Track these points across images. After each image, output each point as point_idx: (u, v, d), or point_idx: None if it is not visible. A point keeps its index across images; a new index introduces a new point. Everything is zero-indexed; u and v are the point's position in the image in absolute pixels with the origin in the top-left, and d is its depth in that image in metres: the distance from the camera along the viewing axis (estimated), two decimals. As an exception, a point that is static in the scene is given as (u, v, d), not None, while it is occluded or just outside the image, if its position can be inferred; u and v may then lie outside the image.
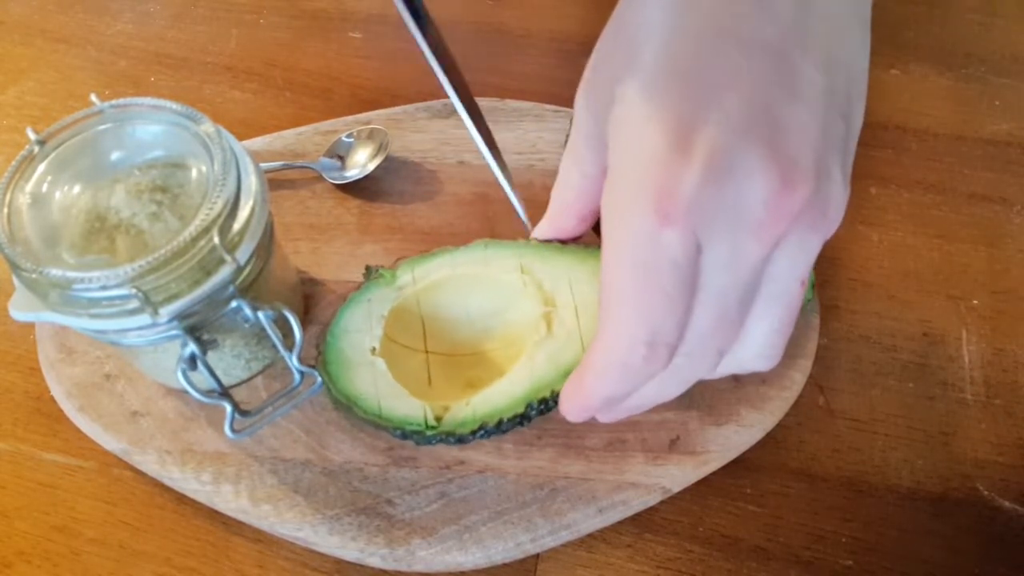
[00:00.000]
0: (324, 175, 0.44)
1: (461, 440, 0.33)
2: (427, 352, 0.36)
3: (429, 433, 0.32)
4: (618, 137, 0.24)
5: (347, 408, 0.33)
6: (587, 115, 0.28)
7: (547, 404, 0.33)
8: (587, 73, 0.29)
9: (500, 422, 0.32)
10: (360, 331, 0.35)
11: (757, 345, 0.26)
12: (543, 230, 0.36)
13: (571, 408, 0.29)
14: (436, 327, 0.37)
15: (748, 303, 0.25)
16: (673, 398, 0.28)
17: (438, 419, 0.33)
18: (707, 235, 0.23)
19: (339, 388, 0.34)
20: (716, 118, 0.22)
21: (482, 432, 0.33)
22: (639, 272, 0.23)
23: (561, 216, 0.34)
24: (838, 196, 0.24)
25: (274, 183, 0.44)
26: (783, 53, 0.23)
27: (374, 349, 0.34)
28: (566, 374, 0.33)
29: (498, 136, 0.46)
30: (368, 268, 0.37)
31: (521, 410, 0.32)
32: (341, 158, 0.44)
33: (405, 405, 0.33)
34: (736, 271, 0.24)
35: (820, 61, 0.23)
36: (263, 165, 0.43)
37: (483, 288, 0.36)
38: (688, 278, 0.23)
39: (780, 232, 0.23)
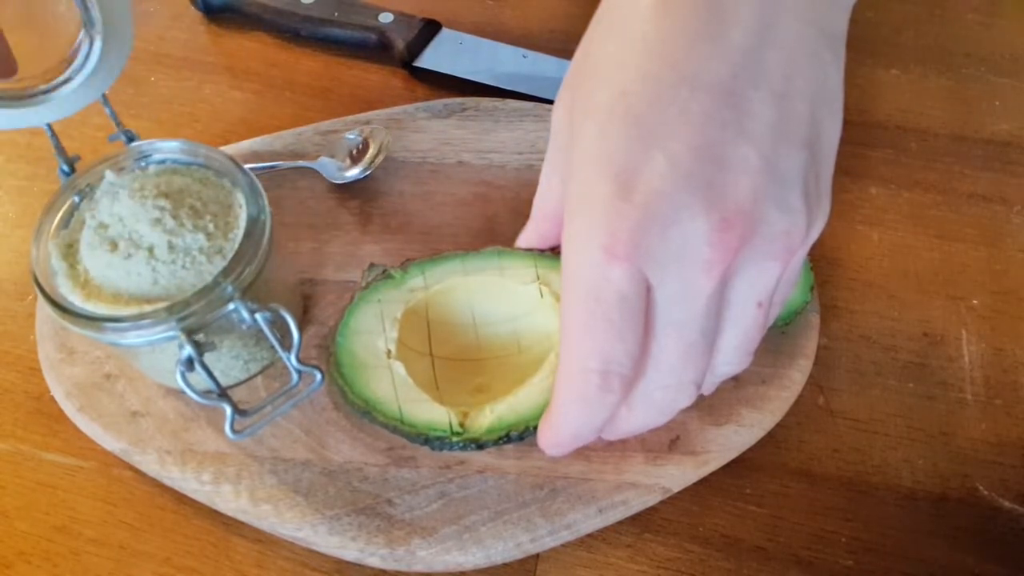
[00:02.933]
0: (324, 175, 0.44)
1: (481, 447, 0.32)
2: (432, 356, 0.36)
3: (455, 439, 0.32)
4: (574, 173, 0.25)
5: (364, 413, 0.33)
6: (562, 128, 0.29)
7: None
8: (563, 88, 0.30)
9: (525, 430, 0.32)
10: (372, 333, 0.34)
11: (725, 358, 0.28)
12: (527, 237, 0.36)
13: (545, 444, 0.30)
14: (440, 331, 0.37)
15: (712, 332, 0.26)
16: (660, 425, 0.29)
17: (462, 425, 0.32)
18: (656, 272, 0.24)
19: (356, 392, 0.33)
20: (661, 163, 0.24)
21: (505, 439, 0.32)
22: (589, 304, 0.25)
23: (544, 222, 0.35)
24: (798, 223, 0.25)
25: (274, 183, 0.44)
26: (733, 92, 0.24)
27: (390, 352, 0.34)
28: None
29: (498, 136, 0.46)
30: (371, 266, 0.36)
31: None
32: (341, 158, 0.44)
33: (428, 411, 0.33)
34: (691, 305, 0.25)
35: (773, 93, 0.24)
36: (263, 165, 0.43)
37: (496, 295, 0.36)
38: (637, 311, 0.25)
39: (725, 267, 0.24)
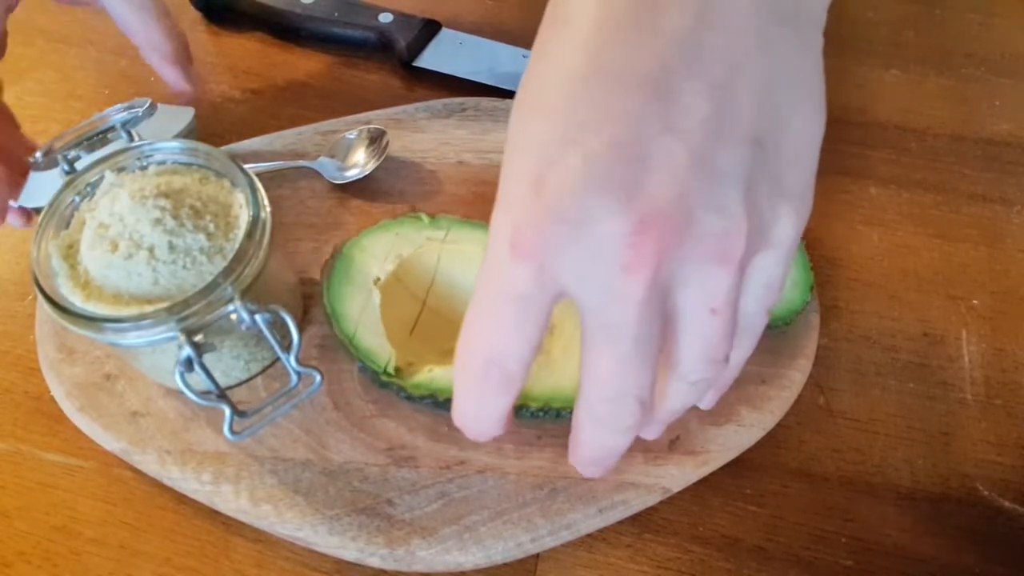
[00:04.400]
0: (324, 175, 0.44)
1: (409, 397, 0.34)
2: (424, 305, 0.37)
3: (384, 378, 0.34)
4: (503, 166, 0.25)
5: (328, 322, 0.35)
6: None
7: None
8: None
9: (448, 401, 0.33)
10: (375, 257, 0.37)
11: (689, 368, 0.26)
12: None
13: (454, 416, 0.28)
14: (443, 287, 0.38)
15: (649, 342, 0.24)
16: (621, 449, 0.27)
17: (398, 370, 0.34)
18: (571, 274, 0.23)
19: (330, 298, 0.36)
20: (575, 160, 0.22)
21: (430, 400, 0.34)
22: (489, 294, 0.24)
23: None
24: (735, 226, 0.23)
25: (274, 183, 0.44)
26: (662, 83, 0.22)
27: (377, 280, 0.36)
28: (531, 395, 0.34)
29: (498, 136, 0.46)
30: (413, 209, 0.39)
31: None
32: (341, 158, 0.44)
33: (376, 343, 0.35)
34: (621, 312, 0.23)
35: (710, 84, 0.22)
36: (263, 165, 0.43)
37: None
38: (536, 310, 0.24)
39: (651, 271, 0.22)
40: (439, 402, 0.34)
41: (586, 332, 0.24)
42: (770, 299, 0.27)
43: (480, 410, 0.27)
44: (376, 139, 0.44)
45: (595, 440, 0.27)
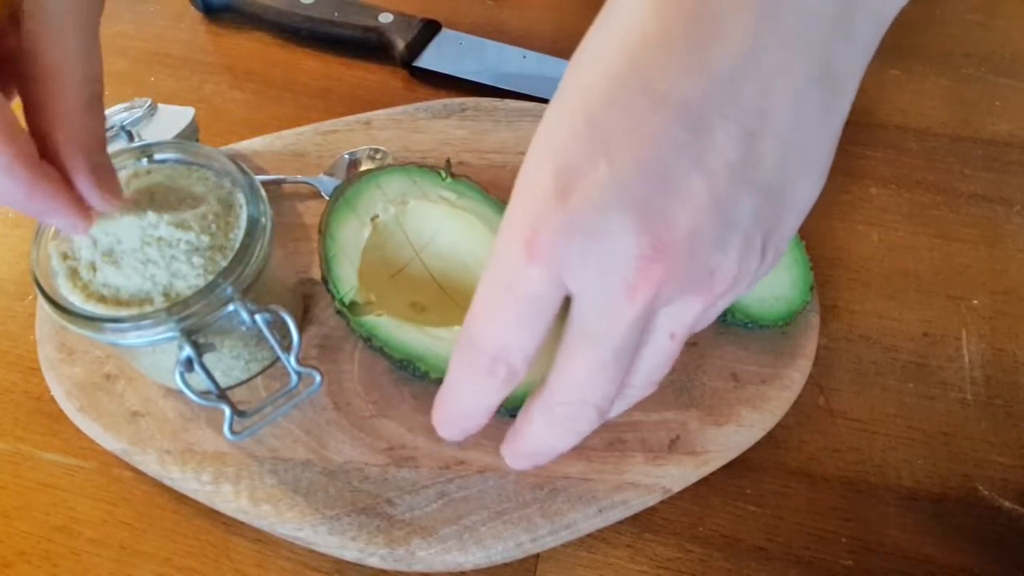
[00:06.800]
0: (323, 192, 0.43)
1: (352, 330, 0.35)
2: (417, 255, 0.38)
3: (337, 307, 0.35)
4: (528, 157, 0.25)
5: (320, 234, 0.36)
6: None
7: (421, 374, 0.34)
8: None
9: (380, 350, 0.34)
10: (386, 195, 0.37)
11: (632, 380, 0.27)
12: None
13: (435, 419, 0.30)
14: (439, 248, 0.38)
15: (627, 358, 0.25)
16: (561, 451, 0.28)
17: (354, 304, 0.35)
18: (576, 281, 0.24)
19: (329, 218, 0.36)
20: (603, 171, 0.22)
21: (368, 343, 0.34)
22: (500, 291, 0.25)
23: None
24: (727, 268, 0.24)
25: (273, 182, 0.44)
26: (698, 117, 0.22)
27: (375, 217, 0.37)
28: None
29: (498, 136, 0.46)
30: (448, 161, 0.39)
31: (398, 360, 0.34)
32: (340, 176, 0.43)
33: (347, 272, 0.35)
34: (611, 325, 0.24)
35: (742, 128, 0.22)
36: (261, 178, 0.43)
37: None
38: (545, 311, 0.24)
39: (649, 295, 0.23)
40: (373, 346, 0.34)
41: (570, 333, 0.25)
42: (700, 328, 0.28)
43: (476, 404, 0.27)
44: (377, 160, 0.44)
45: (541, 436, 0.28)
